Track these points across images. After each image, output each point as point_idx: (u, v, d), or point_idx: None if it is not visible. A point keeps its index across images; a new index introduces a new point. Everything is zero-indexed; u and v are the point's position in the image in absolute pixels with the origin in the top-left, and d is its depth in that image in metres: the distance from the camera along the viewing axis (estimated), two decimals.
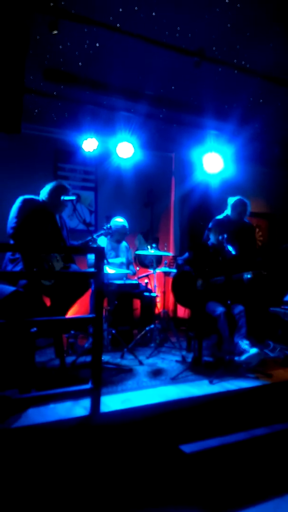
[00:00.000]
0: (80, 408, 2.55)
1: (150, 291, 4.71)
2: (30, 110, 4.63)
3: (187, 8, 3.19)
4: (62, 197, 3.65)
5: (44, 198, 3.64)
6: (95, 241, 3.70)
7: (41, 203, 3.61)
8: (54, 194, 3.63)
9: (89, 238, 3.74)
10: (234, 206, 4.48)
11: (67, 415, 2.47)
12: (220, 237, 3.91)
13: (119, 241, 4.81)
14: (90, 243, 3.75)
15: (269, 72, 4.12)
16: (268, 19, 3.31)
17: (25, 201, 3.50)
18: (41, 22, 3.21)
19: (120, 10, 3.20)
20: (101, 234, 4.06)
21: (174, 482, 2.52)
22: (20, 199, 3.51)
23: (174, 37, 3.54)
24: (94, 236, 3.73)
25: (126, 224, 4.71)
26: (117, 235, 4.72)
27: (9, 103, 2.76)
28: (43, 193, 3.66)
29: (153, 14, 3.24)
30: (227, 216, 4.54)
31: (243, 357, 3.52)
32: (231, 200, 4.51)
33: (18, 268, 3.30)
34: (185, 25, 3.39)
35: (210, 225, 4.04)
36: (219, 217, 4.52)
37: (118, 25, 3.36)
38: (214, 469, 2.62)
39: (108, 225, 4.03)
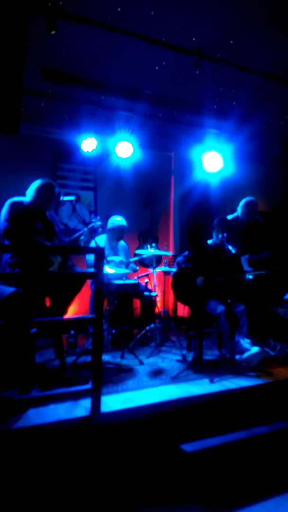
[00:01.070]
0: (80, 409, 2.55)
1: (150, 290, 4.71)
2: (28, 110, 4.63)
3: (186, 7, 3.18)
4: (53, 198, 3.64)
5: (31, 198, 3.62)
6: (91, 236, 3.67)
7: (29, 204, 3.60)
8: (41, 192, 3.61)
9: (81, 232, 3.71)
10: (241, 207, 4.67)
11: (67, 415, 2.47)
12: (220, 236, 3.92)
13: (118, 239, 4.80)
14: (83, 237, 3.73)
15: (268, 71, 4.11)
16: (266, 17, 3.30)
17: (12, 204, 3.49)
18: (39, 22, 3.20)
19: (119, 9, 3.19)
20: (92, 227, 3.96)
21: (175, 481, 2.53)
22: (7, 202, 3.50)
23: (173, 36, 3.54)
24: (85, 229, 3.69)
25: (124, 222, 4.71)
26: (116, 234, 4.72)
27: (8, 104, 2.76)
28: (29, 193, 3.63)
29: (152, 13, 3.23)
30: (237, 216, 4.65)
31: (244, 355, 3.52)
32: (243, 200, 4.70)
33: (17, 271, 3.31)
34: (184, 24, 3.38)
35: (213, 223, 4.07)
36: (229, 217, 4.65)
37: (116, 24, 3.36)
38: (215, 468, 2.62)
39: (98, 218, 3.97)
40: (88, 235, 3.72)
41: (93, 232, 3.70)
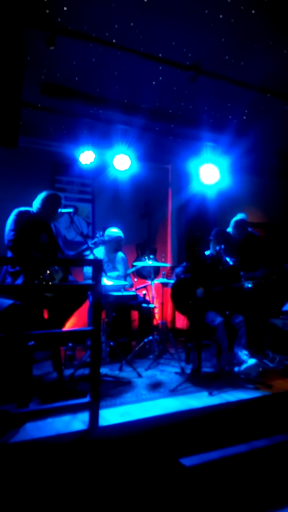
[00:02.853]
0: (78, 422, 2.53)
1: (148, 302, 4.70)
2: (27, 123, 4.68)
3: (182, 23, 3.25)
4: (58, 209, 3.67)
5: (37, 209, 3.65)
6: (90, 249, 3.69)
7: (35, 214, 3.62)
8: (47, 203, 3.64)
9: (85, 246, 3.73)
10: (231, 228, 4.66)
11: (65, 429, 2.44)
12: (217, 248, 3.93)
13: (116, 250, 4.81)
14: (86, 252, 3.75)
15: (264, 85, 4.18)
16: (262, 32, 3.37)
17: (19, 214, 3.52)
18: (39, 38, 3.26)
19: (116, 26, 3.25)
20: (96, 243, 4.02)
21: (174, 496, 2.49)
22: (15, 212, 3.53)
23: (170, 52, 3.60)
24: (89, 243, 3.72)
25: (121, 234, 4.72)
26: (113, 245, 4.73)
27: (7, 117, 2.79)
28: (36, 204, 3.66)
29: (148, 29, 3.30)
30: (229, 232, 4.66)
31: (242, 367, 3.50)
32: (233, 219, 4.68)
33: (19, 281, 3.30)
34: (180, 40, 3.45)
35: (211, 234, 4.09)
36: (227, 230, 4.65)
37: (114, 40, 3.42)
38: (214, 482, 2.59)
39: (100, 233, 4.01)
40: (91, 249, 3.75)
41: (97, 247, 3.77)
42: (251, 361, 3.48)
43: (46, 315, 3.52)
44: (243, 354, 3.57)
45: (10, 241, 3.38)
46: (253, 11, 3.09)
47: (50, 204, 3.65)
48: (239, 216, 4.67)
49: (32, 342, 2.71)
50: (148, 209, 5.83)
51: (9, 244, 3.38)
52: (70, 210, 3.80)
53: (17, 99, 2.87)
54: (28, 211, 3.59)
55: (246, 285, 3.85)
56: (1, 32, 2.91)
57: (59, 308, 3.41)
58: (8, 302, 2.69)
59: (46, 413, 2.58)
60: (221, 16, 3.15)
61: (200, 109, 4.74)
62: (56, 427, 2.47)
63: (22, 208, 3.57)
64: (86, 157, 4.89)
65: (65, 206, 3.88)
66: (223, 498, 2.55)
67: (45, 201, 3.64)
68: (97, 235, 3.89)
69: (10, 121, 2.79)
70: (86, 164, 4.96)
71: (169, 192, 6.28)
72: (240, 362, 3.53)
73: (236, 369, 3.53)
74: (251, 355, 3.61)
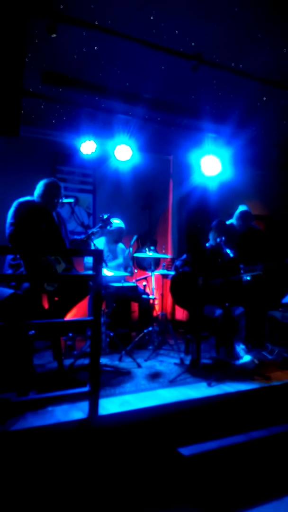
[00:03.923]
0: (78, 411, 2.55)
1: (148, 293, 4.71)
2: (28, 112, 4.64)
3: (186, 12, 3.20)
4: (58, 197, 3.64)
5: (37, 197, 3.63)
6: (91, 237, 3.67)
7: (36, 203, 3.61)
8: (46, 191, 3.62)
9: (88, 233, 3.71)
10: (235, 218, 4.61)
11: (65, 418, 2.47)
12: (218, 239, 3.93)
13: (116, 241, 4.81)
14: (88, 240, 3.72)
15: (266, 75, 4.14)
16: (265, 22, 3.33)
17: (19, 205, 3.51)
18: (40, 26, 3.21)
19: (119, 14, 3.21)
20: (97, 228, 3.97)
21: (173, 485, 2.52)
22: (15, 203, 3.52)
23: (172, 41, 3.56)
24: (89, 231, 3.69)
25: (122, 225, 4.71)
26: (114, 236, 4.72)
27: (8, 106, 2.77)
28: (36, 193, 3.64)
29: (151, 18, 3.25)
30: (232, 224, 4.62)
31: (237, 363, 3.53)
32: (237, 210, 4.61)
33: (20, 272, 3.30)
34: (183, 29, 3.41)
35: (212, 224, 4.06)
36: (227, 222, 4.57)
37: (116, 28, 3.38)
38: (212, 472, 2.62)
39: (105, 216, 3.94)
40: (99, 231, 3.71)
41: (106, 225, 3.71)
42: (246, 358, 3.52)
43: (47, 306, 3.52)
44: (240, 349, 3.59)
45: (9, 235, 3.39)
46: (257, 0, 3.04)
47: (49, 192, 3.62)
48: (244, 208, 4.62)
49: (33, 332, 2.72)
50: (149, 200, 5.81)
51: (8, 237, 3.38)
52: (71, 200, 3.79)
53: (18, 88, 2.84)
54: (28, 201, 3.58)
55: (245, 277, 3.85)
56: (1, 19, 2.87)
57: (61, 299, 3.41)
58: (9, 291, 2.70)
59: (46, 402, 2.60)
60: (225, 5, 3.11)
61: (202, 99, 4.69)
62: (56, 415, 2.49)
63: (22, 199, 3.56)
64: (87, 147, 4.86)
65: (66, 197, 3.86)
66: (221, 487, 2.58)
67: (44, 189, 3.62)
68: (100, 221, 3.82)
69: (11, 110, 2.77)
70: (87, 154, 4.93)
71: (170, 183, 6.25)
72: (238, 357, 3.56)
73: (233, 362, 3.56)
74: (249, 349, 3.63)
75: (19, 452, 2.24)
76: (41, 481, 2.24)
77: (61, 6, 3.12)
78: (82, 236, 3.78)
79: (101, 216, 3.81)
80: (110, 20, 3.28)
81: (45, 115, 4.87)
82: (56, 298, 3.45)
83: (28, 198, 3.61)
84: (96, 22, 3.30)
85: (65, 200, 3.73)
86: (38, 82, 4.13)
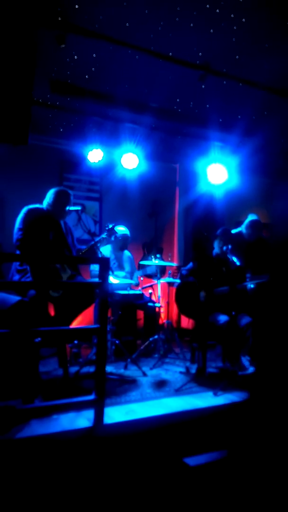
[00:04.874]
0: (83, 419, 2.54)
1: (154, 301, 4.70)
2: (37, 121, 4.67)
3: (193, 22, 3.24)
4: (68, 206, 3.67)
5: (47, 205, 3.66)
6: (97, 245, 3.68)
7: (45, 211, 3.64)
8: (56, 199, 3.64)
9: (92, 242, 3.73)
10: (245, 227, 4.49)
11: (70, 426, 2.45)
12: (224, 248, 3.91)
13: (122, 249, 4.82)
14: (94, 248, 3.74)
15: (273, 85, 4.16)
16: (272, 32, 3.35)
17: (29, 211, 3.53)
18: (50, 36, 3.26)
19: (127, 24, 3.25)
20: (103, 238, 3.99)
21: (178, 496, 2.49)
22: (24, 210, 3.54)
23: (180, 51, 3.59)
24: (96, 239, 3.70)
25: (127, 232, 4.73)
26: (119, 243, 4.74)
27: (17, 115, 2.80)
28: (46, 201, 3.67)
29: (159, 28, 3.29)
30: (240, 232, 4.55)
31: (244, 373, 3.51)
32: (247, 219, 4.52)
33: (27, 279, 3.32)
34: (190, 39, 3.44)
35: (217, 232, 4.05)
36: (233, 231, 4.49)
37: (124, 39, 3.42)
38: (219, 483, 2.58)
39: (110, 226, 3.95)
40: (104, 240, 3.73)
41: (111, 235, 3.73)
42: (251, 369, 3.49)
43: (53, 313, 3.53)
44: (245, 360, 3.57)
45: (18, 240, 3.40)
46: (264, 10, 3.07)
47: (60, 200, 3.65)
48: (254, 217, 4.53)
49: (39, 339, 2.72)
50: (155, 208, 5.83)
51: (17, 243, 3.40)
52: (78, 208, 3.80)
53: (28, 96, 2.88)
54: (37, 208, 3.61)
55: (249, 285, 3.83)
56: (13, 29, 2.92)
57: (67, 306, 3.42)
58: (16, 298, 2.71)
59: (51, 409, 2.60)
60: (232, 15, 3.14)
61: (209, 108, 4.72)
62: (62, 423, 2.48)
63: (31, 206, 3.59)
64: (95, 155, 4.90)
65: (73, 204, 3.88)
66: (227, 498, 2.54)
67: (54, 197, 3.64)
68: (106, 229, 3.84)
69: (21, 118, 2.81)
70: (94, 162, 4.97)
71: (177, 191, 6.27)
72: (244, 368, 3.54)
73: (240, 372, 3.53)
74: (253, 361, 3.61)
75: (24, 460, 2.23)
76: (46, 490, 2.22)
77: (70, 17, 3.17)
78: (88, 245, 3.80)
79: (106, 225, 3.84)
80: (118, 30, 3.32)
81: (53, 123, 4.93)
82: (62, 305, 3.45)
83: (37, 205, 3.63)
84: (105, 33, 3.34)
85: (72, 208, 3.75)
86: (47, 91, 4.18)
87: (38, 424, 2.44)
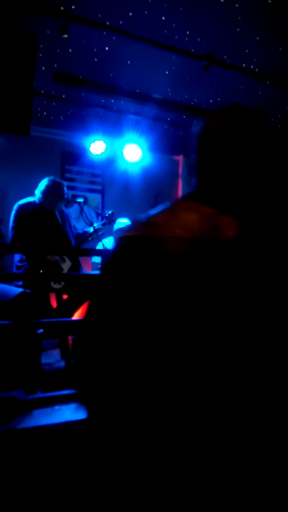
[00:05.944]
0: (85, 410, 2.55)
1: None
2: (38, 112, 4.67)
3: (197, 12, 3.20)
4: (59, 196, 3.60)
5: (38, 198, 3.59)
6: (97, 233, 3.66)
7: (37, 204, 3.58)
8: (46, 191, 3.55)
9: (92, 230, 3.70)
10: None
11: (72, 417, 2.47)
12: None
13: None
14: (94, 236, 3.71)
15: (278, 76, 4.12)
16: (278, 23, 3.31)
17: (19, 208, 3.48)
18: (52, 26, 3.23)
19: (130, 14, 3.22)
20: (101, 225, 3.95)
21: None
22: (15, 206, 3.49)
23: (183, 41, 3.55)
24: (95, 225, 3.66)
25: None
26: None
27: (19, 106, 2.78)
28: (37, 193, 3.59)
29: (163, 18, 3.25)
30: None
31: None
32: None
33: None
34: (194, 29, 3.40)
35: None
36: None
37: (127, 29, 3.38)
38: None
39: (109, 212, 3.89)
40: (104, 229, 3.72)
41: (111, 222, 3.70)
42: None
43: (55, 305, 3.54)
44: None
45: (11, 238, 3.40)
46: (270, 1, 3.03)
47: (51, 193, 3.56)
48: None
49: (41, 330, 2.73)
50: (158, 200, 5.81)
51: (11, 241, 3.41)
52: (80, 200, 3.79)
53: (29, 87, 2.86)
54: (29, 202, 3.55)
55: None
56: (13, 19, 2.89)
57: (69, 298, 3.43)
58: (18, 290, 2.72)
59: (53, 400, 2.61)
60: (237, 5, 3.09)
61: (212, 99, 4.68)
62: (64, 414, 2.49)
63: (22, 201, 3.53)
64: (97, 147, 4.88)
65: (75, 196, 3.87)
66: None
67: (46, 190, 3.55)
68: (106, 215, 3.79)
69: (22, 109, 2.79)
70: (96, 154, 4.95)
71: (180, 183, 6.25)
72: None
73: None
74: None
75: (26, 450, 2.25)
76: (48, 480, 2.25)
77: (73, 7, 3.13)
78: (87, 231, 3.76)
79: (104, 212, 3.79)
80: (121, 20, 3.29)
81: (55, 114, 4.90)
82: (64, 297, 3.46)
83: (28, 199, 3.57)
84: (107, 23, 3.31)
85: (76, 200, 3.73)
86: (49, 82, 4.15)
87: (40, 415, 2.46)
